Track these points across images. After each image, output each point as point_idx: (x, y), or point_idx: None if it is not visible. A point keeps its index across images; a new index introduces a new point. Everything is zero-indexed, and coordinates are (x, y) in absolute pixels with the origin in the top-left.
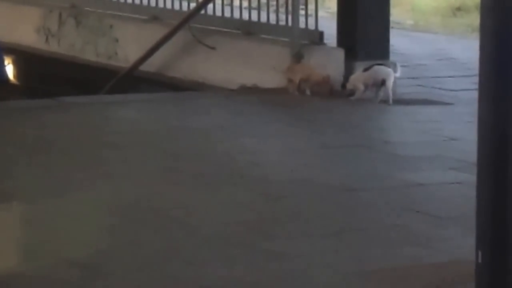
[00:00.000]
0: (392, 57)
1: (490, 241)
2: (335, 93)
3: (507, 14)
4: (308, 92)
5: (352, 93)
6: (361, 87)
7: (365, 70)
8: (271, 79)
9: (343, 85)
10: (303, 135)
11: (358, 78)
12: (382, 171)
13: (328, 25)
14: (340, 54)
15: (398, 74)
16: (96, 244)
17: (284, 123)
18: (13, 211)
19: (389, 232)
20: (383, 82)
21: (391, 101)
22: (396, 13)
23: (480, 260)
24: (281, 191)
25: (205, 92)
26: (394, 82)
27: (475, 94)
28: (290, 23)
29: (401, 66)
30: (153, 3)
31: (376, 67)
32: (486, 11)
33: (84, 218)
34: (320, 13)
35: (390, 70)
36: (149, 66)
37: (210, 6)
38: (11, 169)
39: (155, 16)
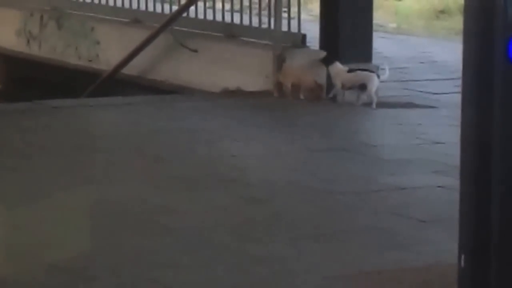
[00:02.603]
0: (375, 60)
1: (473, 245)
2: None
3: (490, 17)
4: (302, 96)
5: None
6: (339, 84)
7: (349, 71)
8: (254, 82)
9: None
10: (286, 139)
11: (339, 75)
12: (365, 174)
13: (311, 28)
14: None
15: (385, 77)
16: (79, 248)
17: (267, 127)
18: None
19: (372, 236)
20: (363, 86)
21: (374, 105)
22: (379, 16)
23: (463, 264)
24: (264, 194)
25: (188, 96)
26: (378, 86)
27: (458, 97)
28: (272, 26)
29: (383, 69)
30: (134, 6)
31: (359, 71)
32: (469, 14)
33: (66, 222)
34: (302, 16)
35: (372, 74)
36: (131, 69)
37: (192, 8)
38: None
39: (136, 18)
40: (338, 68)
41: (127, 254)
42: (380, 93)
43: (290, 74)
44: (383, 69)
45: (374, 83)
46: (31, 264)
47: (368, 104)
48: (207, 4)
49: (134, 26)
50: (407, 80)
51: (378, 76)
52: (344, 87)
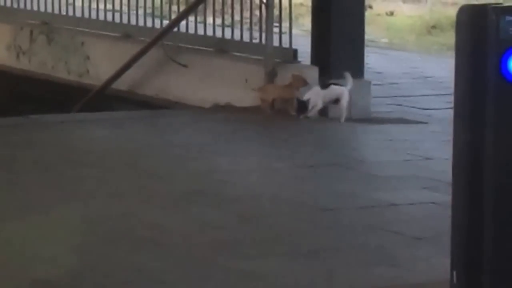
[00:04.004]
0: (366, 76)
1: (465, 262)
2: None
3: (482, 33)
4: (292, 112)
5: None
6: (320, 103)
7: (323, 87)
8: (245, 98)
9: (302, 106)
10: (277, 154)
11: (319, 95)
12: (356, 190)
13: (302, 43)
14: (314, 72)
15: (349, 87)
16: (66, 264)
17: (257, 142)
18: None
19: (363, 252)
20: (336, 101)
21: (343, 119)
22: (371, 31)
23: (455, 281)
24: (254, 210)
25: (178, 111)
26: (350, 99)
27: (450, 113)
28: (263, 41)
29: (375, 84)
30: (125, 20)
31: (332, 86)
32: (461, 29)
33: (54, 238)
34: (294, 31)
35: (344, 88)
36: (121, 84)
37: (183, 23)
38: None
39: (127, 33)
40: (316, 89)
41: (114, 270)
42: (372, 109)
43: (270, 90)
44: (344, 78)
45: (346, 98)
46: (17, 279)
47: (338, 118)
48: (198, 19)
49: (125, 40)
50: (398, 96)
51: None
52: (323, 104)
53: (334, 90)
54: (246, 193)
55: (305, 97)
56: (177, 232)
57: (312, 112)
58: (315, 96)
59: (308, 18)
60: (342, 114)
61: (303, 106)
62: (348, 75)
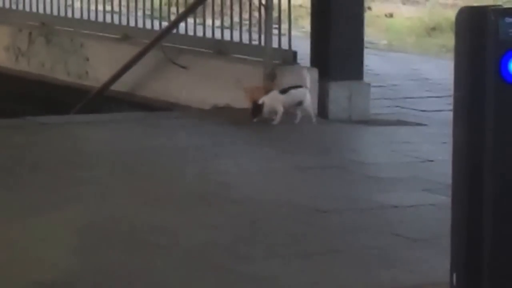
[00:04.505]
0: (366, 77)
1: (464, 264)
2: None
3: (481, 35)
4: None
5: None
6: (281, 109)
7: (282, 92)
8: (244, 99)
9: (256, 108)
10: (276, 156)
11: (278, 100)
12: (356, 192)
13: (302, 44)
14: (314, 74)
15: (308, 85)
16: (66, 266)
17: (257, 144)
18: None
19: (363, 255)
20: (299, 104)
21: (314, 119)
22: (370, 33)
23: (455, 283)
24: (254, 212)
25: (177, 112)
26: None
27: (449, 115)
28: (263, 43)
29: (375, 86)
30: (124, 22)
31: (292, 90)
32: (461, 31)
33: (54, 239)
34: (293, 33)
35: (304, 90)
36: (120, 85)
37: (182, 25)
38: None
39: (126, 35)
40: (274, 94)
41: (115, 272)
42: (371, 111)
43: (250, 93)
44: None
45: (309, 99)
46: (17, 281)
47: (309, 120)
48: (197, 21)
49: (124, 42)
50: (398, 98)
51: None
52: (284, 109)
53: (294, 93)
54: (246, 195)
55: (260, 101)
56: (177, 234)
57: (277, 118)
58: (271, 100)
59: (308, 20)
60: (310, 114)
61: (257, 109)
62: (305, 72)
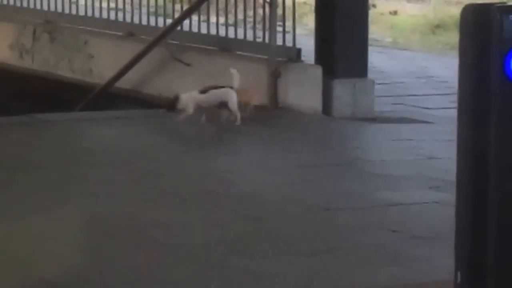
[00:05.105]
0: (370, 75)
1: (468, 262)
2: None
3: (486, 32)
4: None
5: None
6: (191, 109)
7: (202, 92)
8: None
9: (172, 103)
10: (281, 153)
11: (193, 98)
12: (360, 190)
13: (306, 42)
14: (318, 71)
15: (236, 84)
16: (70, 262)
17: (261, 141)
18: None
19: (367, 252)
20: (223, 104)
21: (238, 121)
22: (375, 30)
23: (459, 281)
24: (258, 210)
25: (182, 109)
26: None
27: (454, 113)
28: (267, 40)
29: (379, 84)
30: (128, 19)
31: (214, 90)
32: (465, 29)
33: (59, 237)
34: (297, 30)
35: (229, 90)
36: (125, 82)
37: (187, 22)
38: None
39: (130, 32)
40: (192, 92)
41: (119, 269)
42: (375, 108)
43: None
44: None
45: (234, 99)
46: (22, 277)
47: (233, 121)
48: (202, 18)
49: (128, 39)
50: (402, 95)
51: (232, 88)
52: (200, 108)
53: (215, 94)
54: (250, 193)
55: (177, 96)
56: (181, 232)
57: (182, 115)
58: (186, 99)
59: (312, 17)
60: (235, 115)
61: (172, 103)
62: (234, 73)
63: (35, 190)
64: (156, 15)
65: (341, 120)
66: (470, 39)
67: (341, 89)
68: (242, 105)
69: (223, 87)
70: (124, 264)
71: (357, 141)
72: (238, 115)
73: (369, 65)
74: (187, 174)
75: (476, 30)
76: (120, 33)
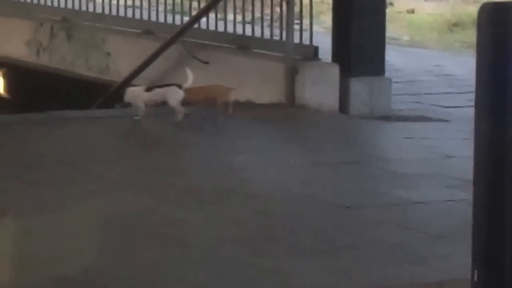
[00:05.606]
0: (387, 73)
1: (486, 260)
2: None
3: (503, 30)
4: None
5: (125, 105)
6: (143, 105)
7: (147, 90)
8: (265, 94)
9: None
10: (297, 151)
11: (139, 95)
12: (378, 188)
13: (323, 40)
14: (335, 69)
15: (189, 83)
16: (87, 261)
17: (278, 139)
18: (3, 226)
19: (385, 251)
20: (166, 103)
21: (179, 118)
22: (392, 29)
23: (476, 279)
24: (275, 208)
25: (197, 107)
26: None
27: (471, 111)
28: (284, 38)
29: (396, 82)
30: (146, 17)
31: (157, 89)
32: (483, 27)
33: (75, 234)
34: (315, 28)
35: (171, 88)
36: (142, 80)
37: (204, 20)
38: (1, 184)
39: (148, 30)
40: (135, 90)
41: (137, 266)
42: (392, 106)
43: (199, 90)
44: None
45: (175, 97)
46: (41, 275)
47: (173, 117)
48: (219, 16)
49: (145, 37)
50: (419, 94)
51: (180, 87)
52: (147, 106)
53: (157, 92)
54: (266, 191)
55: (126, 92)
56: (198, 229)
57: (139, 115)
58: (132, 93)
59: (329, 15)
60: (175, 113)
61: (119, 96)
62: (188, 71)
63: (53, 187)
64: (174, 12)
65: (358, 119)
66: (488, 37)
67: (358, 87)
68: (221, 103)
69: (169, 85)
70: (139, 261)
71: (374, 139)
72: (179, 113)
73: (386, 63)
74: (203, 172)
75: (494, 28)
76: (137, 31)
